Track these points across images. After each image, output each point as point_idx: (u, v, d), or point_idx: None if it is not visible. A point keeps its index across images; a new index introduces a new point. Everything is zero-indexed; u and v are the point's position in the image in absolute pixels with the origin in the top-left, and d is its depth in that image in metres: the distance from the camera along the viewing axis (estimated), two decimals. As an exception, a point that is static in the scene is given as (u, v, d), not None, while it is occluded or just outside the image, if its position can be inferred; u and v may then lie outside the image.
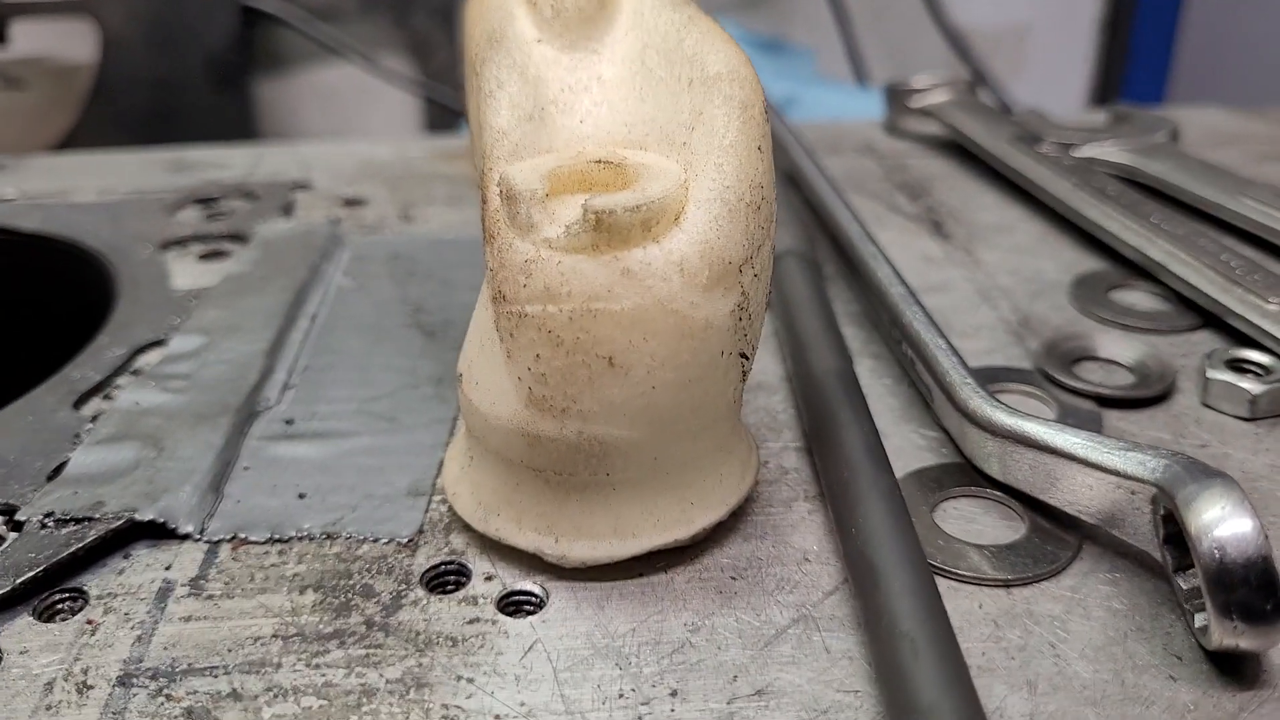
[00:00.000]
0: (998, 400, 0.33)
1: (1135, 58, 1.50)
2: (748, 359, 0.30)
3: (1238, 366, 0.39)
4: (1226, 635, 0.26)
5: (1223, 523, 0.26)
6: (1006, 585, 0.30)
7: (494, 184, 0.29)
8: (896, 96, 0.69)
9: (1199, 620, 0.28)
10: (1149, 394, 0.39)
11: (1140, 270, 0.48)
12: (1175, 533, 0.29)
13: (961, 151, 0.65)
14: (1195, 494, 0.27)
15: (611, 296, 0.27)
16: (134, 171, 0.64)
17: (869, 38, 1.34)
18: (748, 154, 0.29)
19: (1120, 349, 0.42)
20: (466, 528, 0.32)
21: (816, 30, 1.36)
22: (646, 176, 0.29)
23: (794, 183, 0.55)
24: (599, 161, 0.30)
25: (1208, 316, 0.45)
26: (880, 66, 1.39)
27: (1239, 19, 1.41)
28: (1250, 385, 0.38)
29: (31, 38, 1.23)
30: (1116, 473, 0.29)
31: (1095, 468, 0.30)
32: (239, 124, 1.28)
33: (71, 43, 1.23)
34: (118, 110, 1.19)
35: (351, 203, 0.59)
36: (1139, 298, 0.47)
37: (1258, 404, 0.38)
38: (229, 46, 1.24)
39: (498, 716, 0.26)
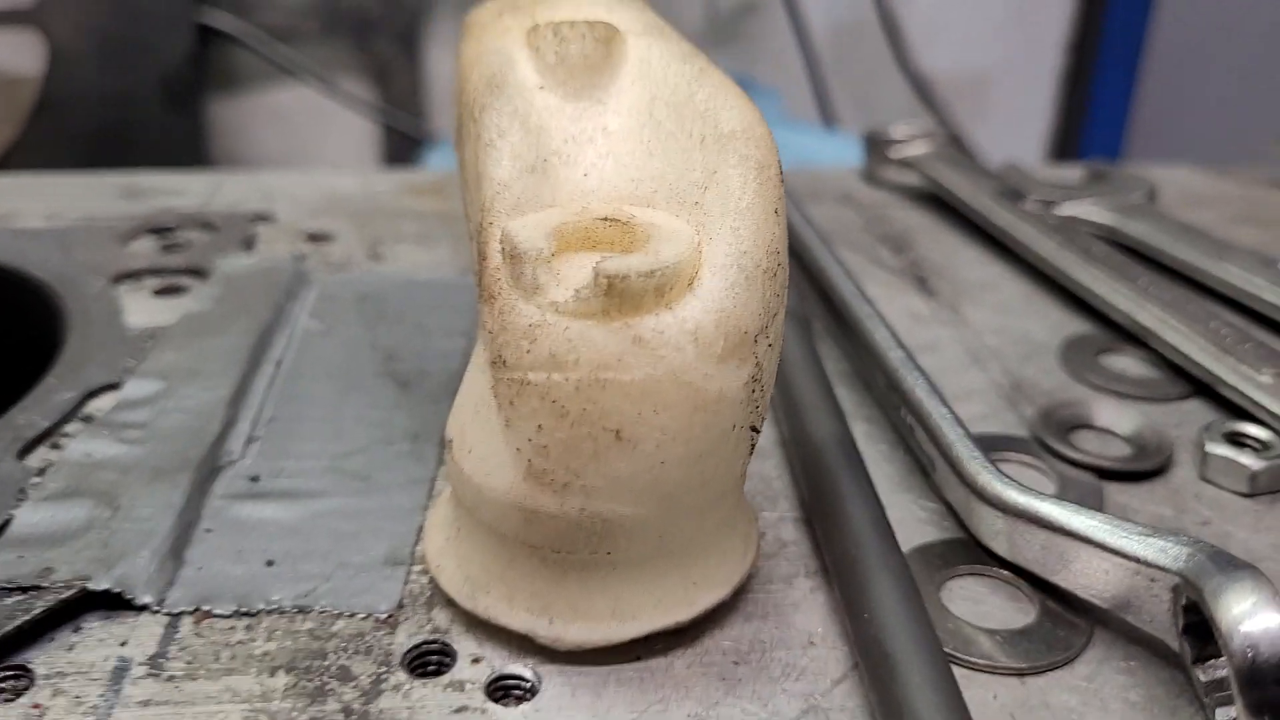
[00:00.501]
0: (1006, 476, 0.32)
1: (1095, 111, 1.53)
2: (758, 432, 0.29)
3: (1236, 441, 0.39)
4: (1256, 736, 0.25)
5: (1253, 617, 0.25)
6: (1020, 674, 0.29)
7: (494, 240, 0.28)
8: (876, 146, 0.69)
9: (1221, 716, 0.27)
10: (1147, 467, 0.38)
11: (1128, 334, 0.48)
12: (1195, 622, 0.28)
13: (940, 204, 0.65)
14: (1223, 586, 0.26)
15: (622, 366, 0.26)
16: (83, 196, 0.62)
17: (833, 80, 1.35)
18: (764, 218, 0.28)
19: (1115, 418, 0.41)
20: (450, 602, 0.30)
21: (783, 71, 1.37)
22: (657, 238, 0.28)
23: (778, 233, 0.55)
24: (605, 219, 0.29)
25: (1198, 384, 0.44)
26: (845, 109, 1.40)
27: (1196, 78, 1.45)
28: (1250, 461, 0.37)
29: (-28, 47, 1.19)
30: (1136, 559, 0.28)
31: (1113, 553, 0.29)
32: (190, 145, 1.25)
33: (16, 54, 1.19)
34: (63, 127, 1.16)
35: (316, 237, 0.57)
36: (1129, 363, 0.47)
37: (1258, 480, 0.37)
38: (183, 65, 1.21)
39: (491, 821, 0.24)
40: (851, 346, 0.44)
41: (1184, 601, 0.28)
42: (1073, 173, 0.68)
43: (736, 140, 0.29)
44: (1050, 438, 0.40)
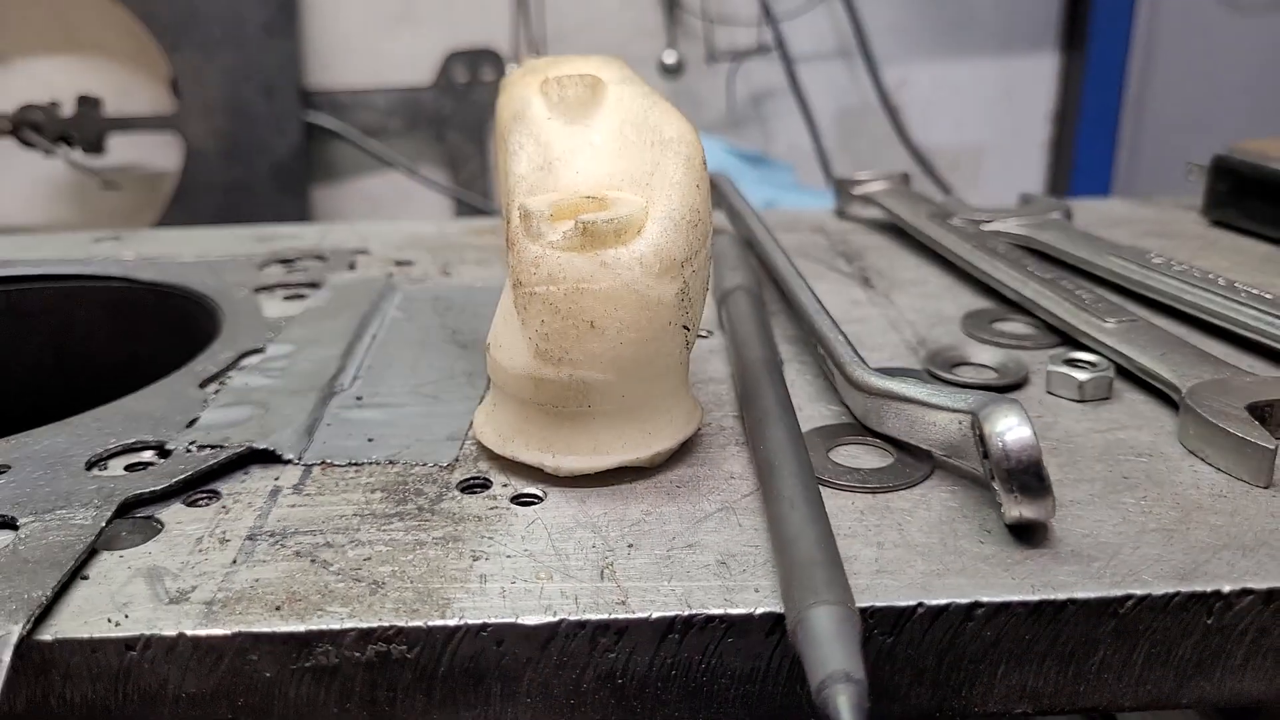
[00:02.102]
0: (870, 367, 0.44)
1: (1078, 174, 1.64)
2: (689, 330, 0.41)
3: (1073, 363, 0.50)
4: (1013, 507, 0.36)
5: (1010, 430, 0.36)
6: (873, 491, 0.40)
7: (515, 209, 0.41)
8: (843, 186, 0.81)
9: (1003, 508, 0.38)
10: (1006, 383, 0.49)
11: (1018, 308, 0.59)
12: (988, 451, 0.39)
13: (895, 231, 0.77)
14: (991, 412, 0.37)
15: (593, 280, 0.38)
16: (225, 241, 0.77)
17: (841, 154, 1.48)
18: (689, 189, 0.40)
19: (990, 357, 0.52)
20: (490, 458, 0.42)
21: (796, 148, 1.50)
22: (619, 204, 0.40)
23: (750, 245, 0.67)
24: (588, 197, 0.42)
25: (1065, 337, 0.55)
26: (854, 178, 1.53)
27: (1171, 138, 1.56)
28: (1079, 375, 0.48)
29: (125, 148, 1.38)
30: (947, 408, 0.39)
31: (935, 407, 0.40)
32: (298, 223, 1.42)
33: (159, 154, 1.37)
34: (196, 209, 1.34)
35: (402, 263, 0.71)
36: (1015, 326, 0.58)
37: (1084, 389, 0.48)
38: (292, 157, 1.39)
39: (509, 556, 0.36)
40: (793, 317, 0.56)
41: (978, 432, 0.39)
42: (1008, 203, 0.79)
43: (674, 143, 0.42)
44: (936, 369, 0.51)
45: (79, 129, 1.42)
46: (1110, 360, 0.50)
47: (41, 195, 1.49)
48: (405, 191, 1.50)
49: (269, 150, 1.36)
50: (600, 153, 0.44)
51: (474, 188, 1.51)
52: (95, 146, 1.44)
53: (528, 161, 0.44)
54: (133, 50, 1.43)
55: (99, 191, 1.42)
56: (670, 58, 1.56)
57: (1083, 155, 1.60)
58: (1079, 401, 0.48)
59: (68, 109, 1.44)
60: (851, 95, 1.57)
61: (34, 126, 1.38)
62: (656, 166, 0.42)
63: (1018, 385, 0.50)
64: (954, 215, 0.72)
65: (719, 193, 0.77)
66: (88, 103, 1.44)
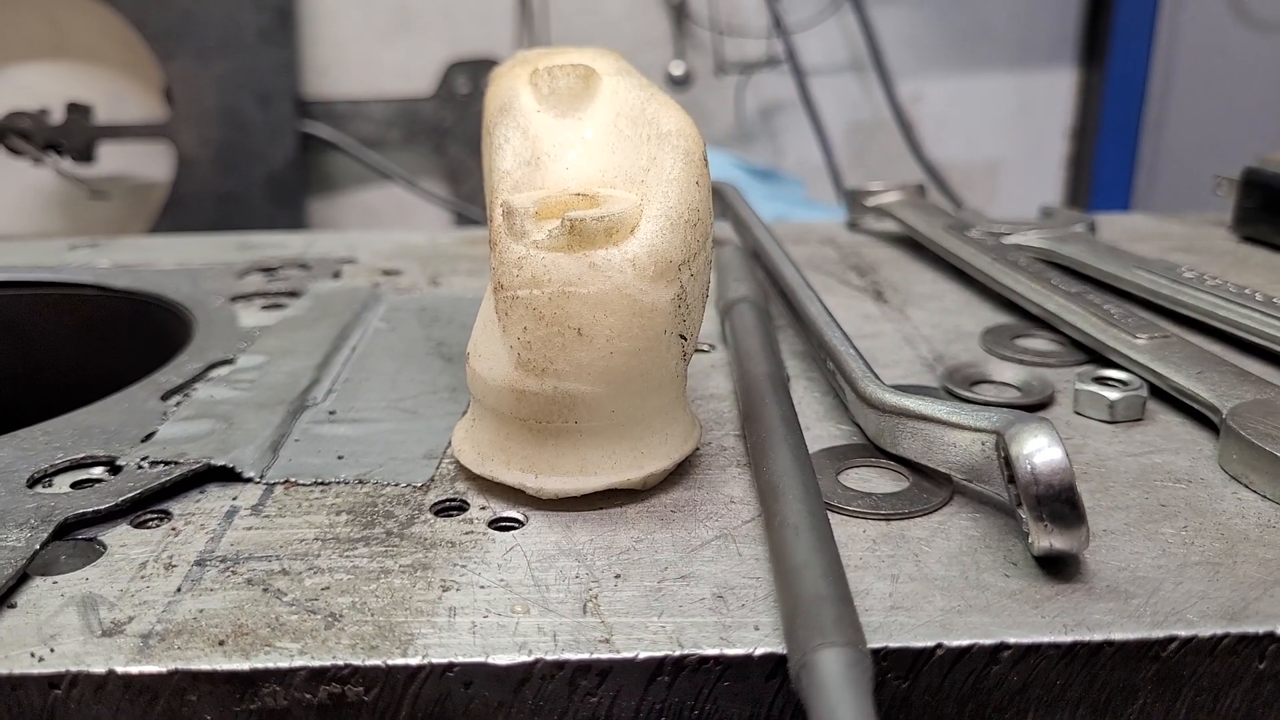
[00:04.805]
0: (884, 383, 0.41)
1: (1098, 190, 1.62)
2: (686, 340, 0.38)
3: (1103, 381, 0.47)
4: (1043, 537, 0.33)
5: (1040, 451, 0.33)
6: (887, 519, 0.37)
7: (498, 207, 0.38)
8: (856, 197, 0.79)
9: (1030, 538, 0.34)
10: (1030, 402, 0.46)
11: (1041, 323, 0.56)
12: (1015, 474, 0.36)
13: (909, 244, 0.74)
14: (1019, 431, 0.34)
15: (581, 283, 0.35)
16: (206, 249, 0.74)
17: (853, 170, 1.46)
18: (687, 186, 0.38)
19: (1012, 374, 0.49)
20: (469, 478, 0.40)
21: (806, 163, 1.48)
22: (611, 202, 0.38)
23: (756, 257, 0.64)
24: (578, 194, 0.39)
25: (1092, 354, 0.52)
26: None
27: (1191, 157, 1.53)
28: (1110, 394, 0.45)
29: (116, 157, 1.37)
30: (969, 427, 0.36)
31: (955, 426, 0.37)
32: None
33: (150, 163, 1.36)
34: (187, 221, 1.31)
35: (389, 273, 0.68)
36: (1038, 343, 0.55)
37: (1115, 409, 0.45)
38: (287, 168, 1.37)
39: (482, 587, 0.33)
40: (801, 330, 0.53)
41: (1003, 454, 0.36)
42: (1028, 217, 0.76)
43: (672, 136, 0.39)
44: (954, 386, 0.48)
45: (68, 137, 1.41)
46: (1142, 379, 0.47)
47: (29, 205, 1.47)
48: (404, 205, 1.48)
49: (263, 160, 1.34)
50: (593, 147, 0.42)
51: (476, 202, 1.49)
52: (85, 155, 1.42)
53: (514, 156, 0.41)
54: (125, 57, 1.41)
55: (87, 201, 1.40)
56: (678, 69, 1.54)
57: (1102, 173, 1.57)
58: (1109, 423, 0.45)
59: (57, 116, 1.43)
60: (864, 109, 1.55)
61: (22, 134, 1.37)
62: (653, 162, 0.39)
63: (1043, 405, 0.47)
64: (972, 227, 0.69)
65: (724, 201, 0.75)
66: (78, 110, 1.42)
